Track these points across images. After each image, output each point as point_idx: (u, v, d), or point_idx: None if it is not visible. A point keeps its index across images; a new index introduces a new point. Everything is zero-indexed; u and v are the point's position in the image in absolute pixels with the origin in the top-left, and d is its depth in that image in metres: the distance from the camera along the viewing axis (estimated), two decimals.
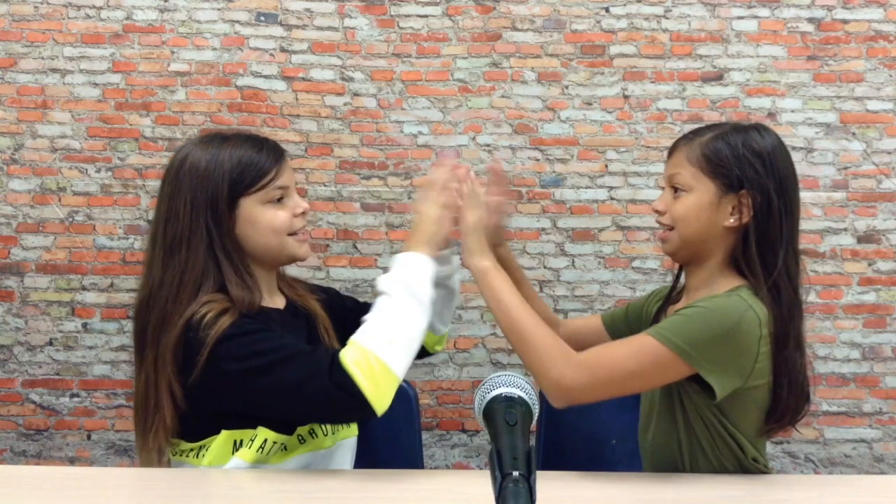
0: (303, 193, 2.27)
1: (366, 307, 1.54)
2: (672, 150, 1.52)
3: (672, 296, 1.58)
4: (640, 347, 1.39)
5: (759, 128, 1.50)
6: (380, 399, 1.31)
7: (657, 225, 1.50)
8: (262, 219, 1.48)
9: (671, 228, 1.50)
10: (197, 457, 1.43)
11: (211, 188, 1.44)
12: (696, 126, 1.54)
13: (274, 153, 1.51)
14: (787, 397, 1.41)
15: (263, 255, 1.51)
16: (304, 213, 1.53)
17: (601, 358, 1.40)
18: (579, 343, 1.59)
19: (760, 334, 1.39)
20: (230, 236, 1.46)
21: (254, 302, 1.45)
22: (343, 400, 1.31)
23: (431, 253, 1.44)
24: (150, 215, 2.27)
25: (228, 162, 1.45)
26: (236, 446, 1.42)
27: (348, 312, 1.66)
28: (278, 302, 1.58)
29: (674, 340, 1.38)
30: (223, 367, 1.37)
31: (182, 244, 1.43)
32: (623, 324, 1.68)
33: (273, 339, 1.40)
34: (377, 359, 1.32)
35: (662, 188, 1.52)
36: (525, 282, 1.72)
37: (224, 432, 1.42)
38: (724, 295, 1.42)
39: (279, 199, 1.48)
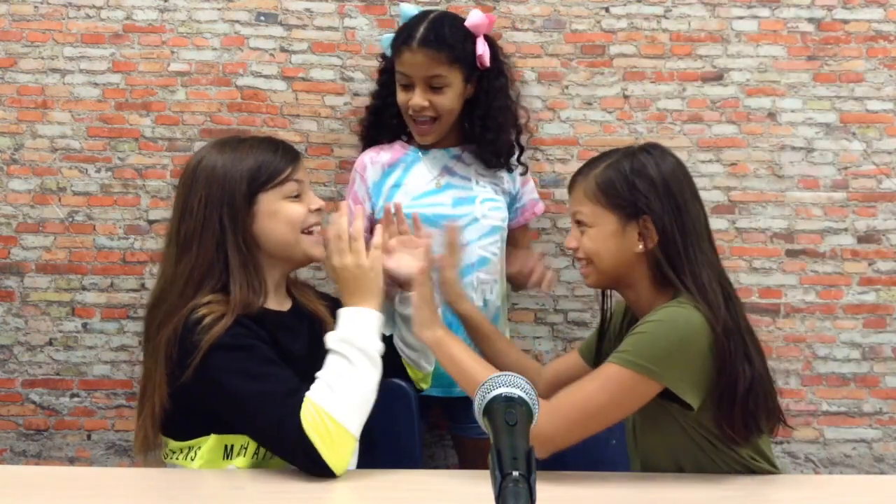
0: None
1: None
2: (570, 187, 1.56)
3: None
4: (606, 378, 1.40)
5: (648, 149, 1.52)
6: (338, 462, 1.34)
7: None
8: (280, 212, 1.50)
9: (590, 262, 1.53)
10: (186, 458, 1.43)
11: (228, 184, 1.47)
12: (590, 158, 1.58)
13: (290, 153, 1.56)
14: (733, 410, 1.40)
15: (281, 253, 1.53)
16: (319, 210, 1.56)
17: (571, 399, 1.41)
18: (565, 382, 1.61)
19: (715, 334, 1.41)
20: (246, 233, 1.48)
21: (253, 304, 1.46)
22: (305, 462, 1.35)
23: (375, 305, 1.45)
24: (151, 215, 2.27)
25: (247, 160, 1.49)
26: (227, 451, 1.43)
27: None
28: (284, 304, 1.58)
29: (635, 361, 1.39)
30: (212, 375, 1.38)
31: (193, 241, 1.46)
32: (595, 348, 1.69)
33: (262, 364, 1.41)
34: (333, 420, 1.34)
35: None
36: (496, 334, 1.75)
37: (213, 436, 1.43)
38: (670, 304, 1.43)
39: (296, 196, 1.52)
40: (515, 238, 2.12)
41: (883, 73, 2.29)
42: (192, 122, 2.28)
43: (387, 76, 2.05)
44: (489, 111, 1.99)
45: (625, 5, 2.28)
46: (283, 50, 2.28)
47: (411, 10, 2.02)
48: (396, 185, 2.02)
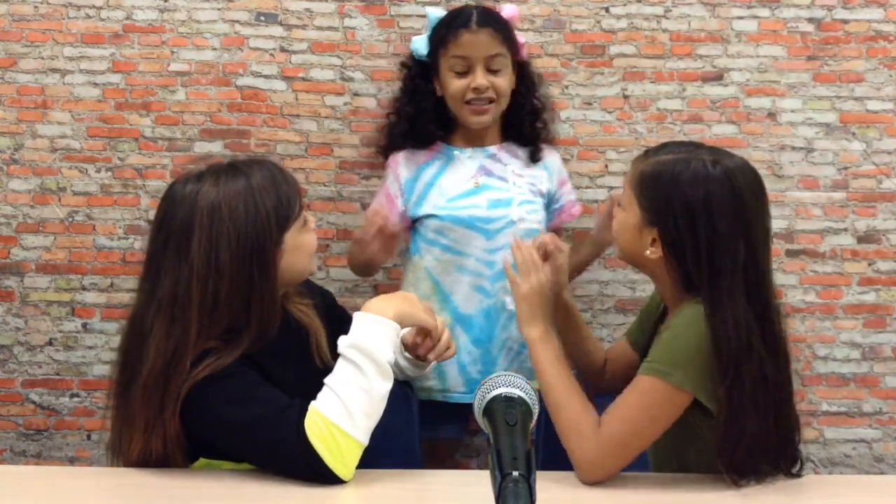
0: (304, 193, 2.26)
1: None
2: (634, 160, 1.51)
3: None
4: (641, 392, 1.39)
5: (711, 161, 1.39)
6: (345, 469, 1.32)
7: None
8: (302, 245, 1.45)
9: (616, 240, 1.52)
10: None
11: (258, 232, 1.36)
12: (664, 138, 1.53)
13: (290, 178, 1.47)
14: (734, 453, 1.34)
15: (292, 281, 1.48)
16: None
17: (615, 423, 1.39)
18: (622, 369, 1.62)
19: None
20: (273, 276, 1.38)
21: (264, 340, 1.41)
22: (310, 473, 1.32)
23: (396, 320, 1.41)
24: (151, 215, 2.26)
25: (264, 198, 1.37)
26: None
27: (340, 324, 1.64)
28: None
29: (662, 370, 1.37)
30: (201, 411, 1.36)
31: (220, 301, 1.35)
32: (639, 333, 1.68)
33: (250, 388, 1.37)
34: (340, 430, 1.31)
35: None
36: (581, 326, 1.74)
37: (202, 460, 1.42)
38: (689, 305, 1.41)
39: (304, 223, 1.46)
40: None
41: (883, 73, 2.29)
42: (192, 122, 2.28)
43: (420, 80, 2.01)
44: (531, 105, 2.03)
45: (625, 5, 2.28)
46: (283, 50, 2.28)
47: (438, 11, 2.02)
48: (431, 184, 2.00)
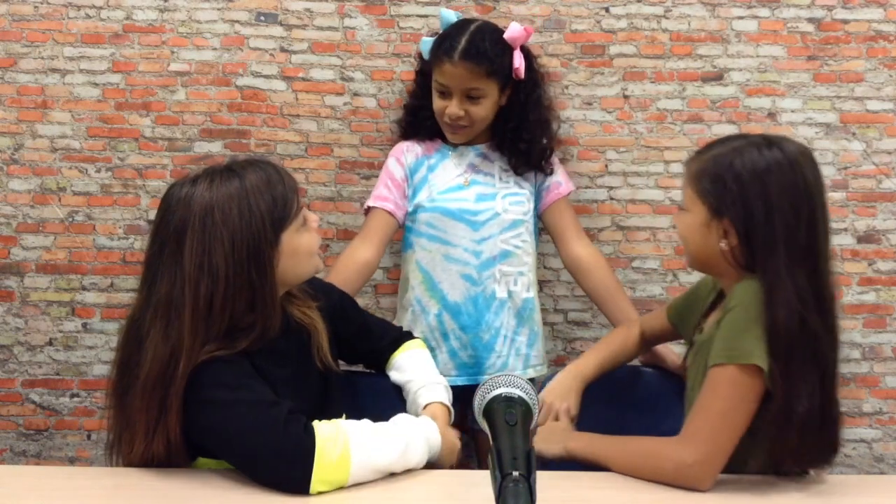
0: (303, 194, 2.27)
1: (367, 321, 1.51)
2: (686, 162, 1.52)
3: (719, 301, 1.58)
4: (715, 383, 1.37)
5: (766, 143, 1.40)
6: (320, 482, 1.28)
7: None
8: (301, 247, 1.42)
9: (684, 245, 1.52)
10: None
11: (252, 234, 1.34)
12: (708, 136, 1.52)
13: (287, 175, 1.45)
14: (785, 437, 1.34)
15: (293, 282, 1.48)
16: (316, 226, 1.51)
17: (695, 419, 1.39)
18: (654, 338, 1.66)
19: None
20: (273, 279, 1.36)
21: (266, 339, 1.41)
22: (287, 467, 1.27)
23: (433, 451, 1.46)
24: (151, 215, 2.27)
25: (259, 198, 1.35)
26: None
27: (347, 322, 1.63)
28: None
29: (727, 355, 1.36)
30: (189, 395, 1.34)
31: (216, 304, 1.33)
32: (684, 309, 1.69)
33: (242, 377, 1.34)
34: (348, 451, 1.30)
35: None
36: (610, 366, 1.77)
37: (200, 459, 1.41)
38: (741, 286, 1.41)
39: (303, 222, 1.45)
40: (551, 223, 2.12)
41: (883, 73, 2.29)
42: (192, 122, 2.28)
43: (423, 78, 2.09)
44: (523, 122, 2.04)
45: (625, 5, 2.28)
46: (283, 50, 2.28)
47: (451, 15, 2.05)
48: (425, 178, 2.07)
